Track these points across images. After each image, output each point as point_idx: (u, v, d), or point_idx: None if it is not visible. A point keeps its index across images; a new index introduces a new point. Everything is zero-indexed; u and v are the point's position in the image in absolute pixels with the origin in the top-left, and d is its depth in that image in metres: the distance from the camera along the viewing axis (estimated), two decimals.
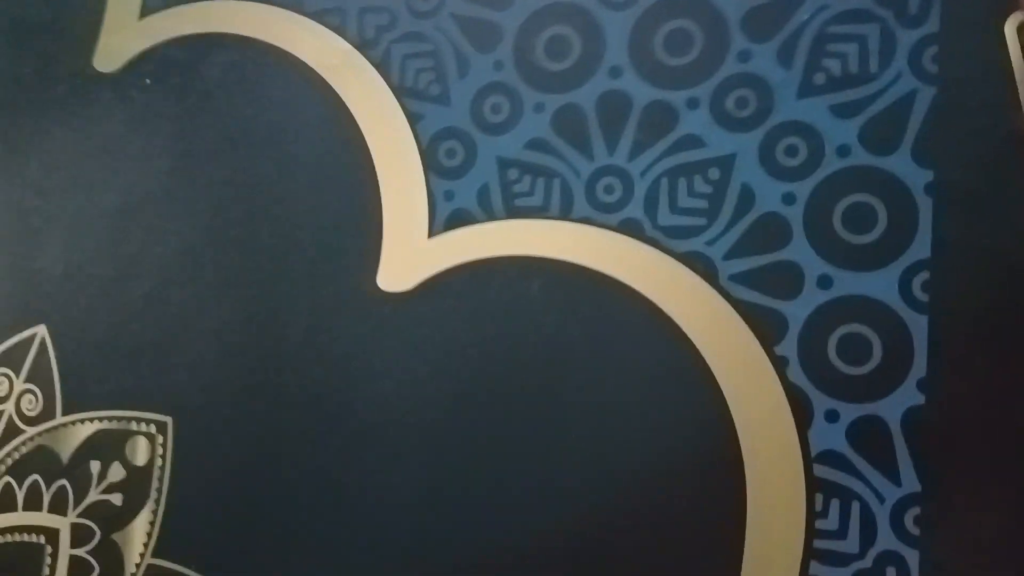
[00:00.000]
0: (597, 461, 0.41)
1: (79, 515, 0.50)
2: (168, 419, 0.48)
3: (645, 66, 0.41)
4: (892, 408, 0.37)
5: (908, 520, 0.36)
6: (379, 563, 0.44)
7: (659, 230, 0.41)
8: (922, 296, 0.37)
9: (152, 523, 0.48)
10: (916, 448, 0.37)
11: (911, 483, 0.37)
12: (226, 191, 0.48)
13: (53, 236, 0.52)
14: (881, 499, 0.37)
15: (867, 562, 0.37)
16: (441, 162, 0.45)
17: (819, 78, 0.39)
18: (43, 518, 0.50)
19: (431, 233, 0.45)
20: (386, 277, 0.45)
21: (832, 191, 0.39)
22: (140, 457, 0.49)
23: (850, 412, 0.37)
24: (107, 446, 0.49)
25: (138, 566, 0.48)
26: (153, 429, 0.48)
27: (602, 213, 0.42)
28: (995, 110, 0.37)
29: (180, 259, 0.49)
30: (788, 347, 0.38)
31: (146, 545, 0.48)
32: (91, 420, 0.50)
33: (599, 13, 0.42)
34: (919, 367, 0.37)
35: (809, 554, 0.37)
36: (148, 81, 0.50)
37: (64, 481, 0.50)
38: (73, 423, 0.50)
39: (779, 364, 0.38)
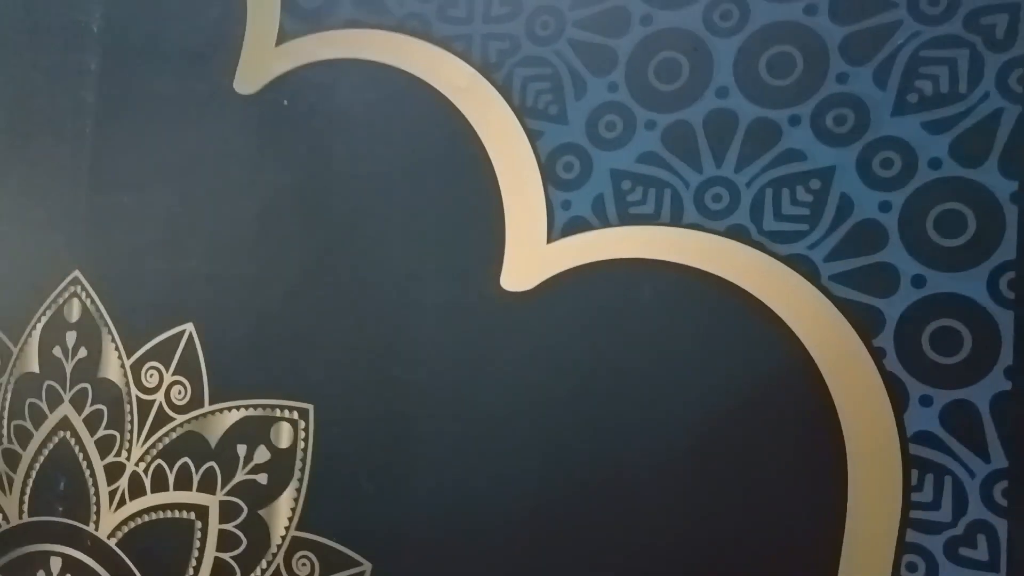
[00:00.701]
0: (707, 443, 0.45)
1: (227, 493, 0.55)
2: (310, 407, 0.53)
3: (750, 87, 0.46)
4: (981, 393, 0.42)
5: (996, 493, 0.41)
6: (497, 541, 0.49)
7: (764, 235, 0.45)
8: (1008, 293, 0.41)
9: (296, 499, 0.53)
10: (1004, 429, 0.41)
11: (999, 459, 0.41)
12: (360, 200, 0.53)
13: (198, 241, 0.57)
14: (972, 474, 0.41)
15: (959, 530, 0.42)
16: (559, 175, 0.49)
17: (912, 97, 0.43)
18: (193, 496, 0.56)
19: (550, 239, 0.49)
20: (509, 278, 0.50)
21: (925, 199, 0.43)
22: (284, 440, 0.54)
23: (942, 397, 0.42)
24: (252, 431, 0.55)
25: (283, 537, 0.53)
26: (296, 415, 0.54)
27: (710, 220, 0.46)
28: None
29: (318, 261, 0.54)
30: (885, 339, 0.43)
31: (290, 519, 0.53)
32: (237, 408, 0.55)
33: (707, 39, 0.47)
34: (1006, 357, 0.41)
35: (906, 523, 0.42)
36: (285, 102, 0.55)
37: (212, 463, 0.56)
38: (220, 411, 0.56)
39: (877, 355, 0.43)
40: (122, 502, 0.58)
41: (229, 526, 0.55)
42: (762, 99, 0.46)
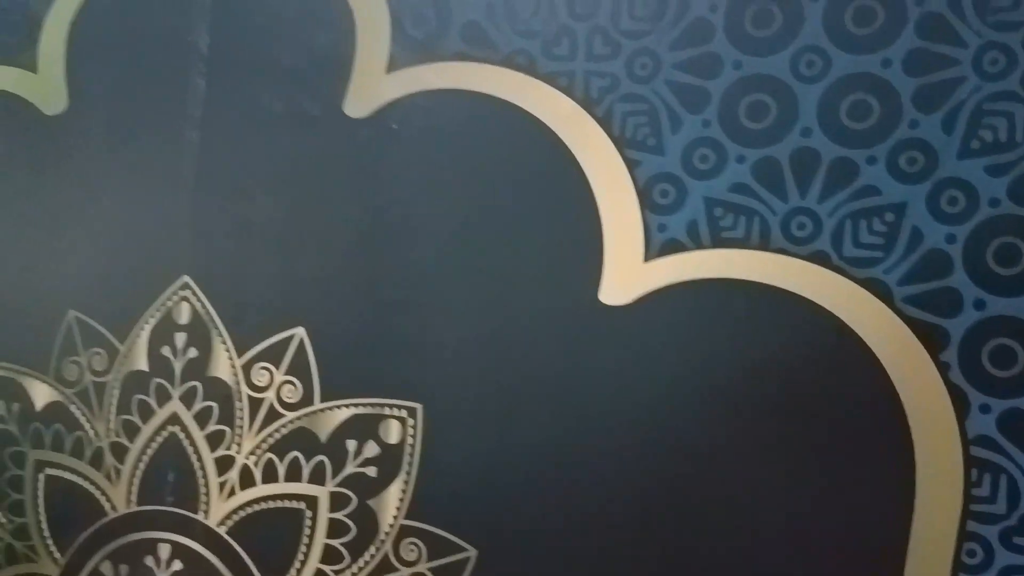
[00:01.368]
0: (793, 444, 0.51)
1: (337, 485, 0.60)
2: (418, 406, 0.58)
3: (832, 128, 0.52)
4: None
5: None
6: (594, 536, 0.55)
7: (844, 260, 0.51)
8: None
9: (404, 491, 0.58)
10: None
11: None
12: (469, 218, 0.58)
13: (308, 248, 0.62)
14: None
15: (1012, 521, 0.48)
16: (656, 200, 0.55)
17: (975, 144, 0.50)
18: (303, 487, 0.60)
19: (647, 258, 0.55)
20: (607, 293, 0.56)
21: (986, 233, 0.49)
22: (393, 436, 0.59)
23: (1000, 406, 0.49)
24: (362, 427, 0.60)
25: (391, 525, 0.58)
26: (404, 414, 0.59)
27: (795, 245, 0.52)
28: None
29: (428, 272, 0.59)
30: (950, 355, 0.49)
31: (399, 509, 0.58)
32: (347, 406, 0.60)
33: (793, 84, 0.53)
34: None
35: (966, 515, 0.49)
36: (395, 126, 0.60)
37: (323, 457, 0.60)
38: (330, 408, 0.61)
39: (943, 368, 0.49)
40: (232, 493, 0.62)
41: (339, 515, 0.60)
42: (842, 140, 0.52)
